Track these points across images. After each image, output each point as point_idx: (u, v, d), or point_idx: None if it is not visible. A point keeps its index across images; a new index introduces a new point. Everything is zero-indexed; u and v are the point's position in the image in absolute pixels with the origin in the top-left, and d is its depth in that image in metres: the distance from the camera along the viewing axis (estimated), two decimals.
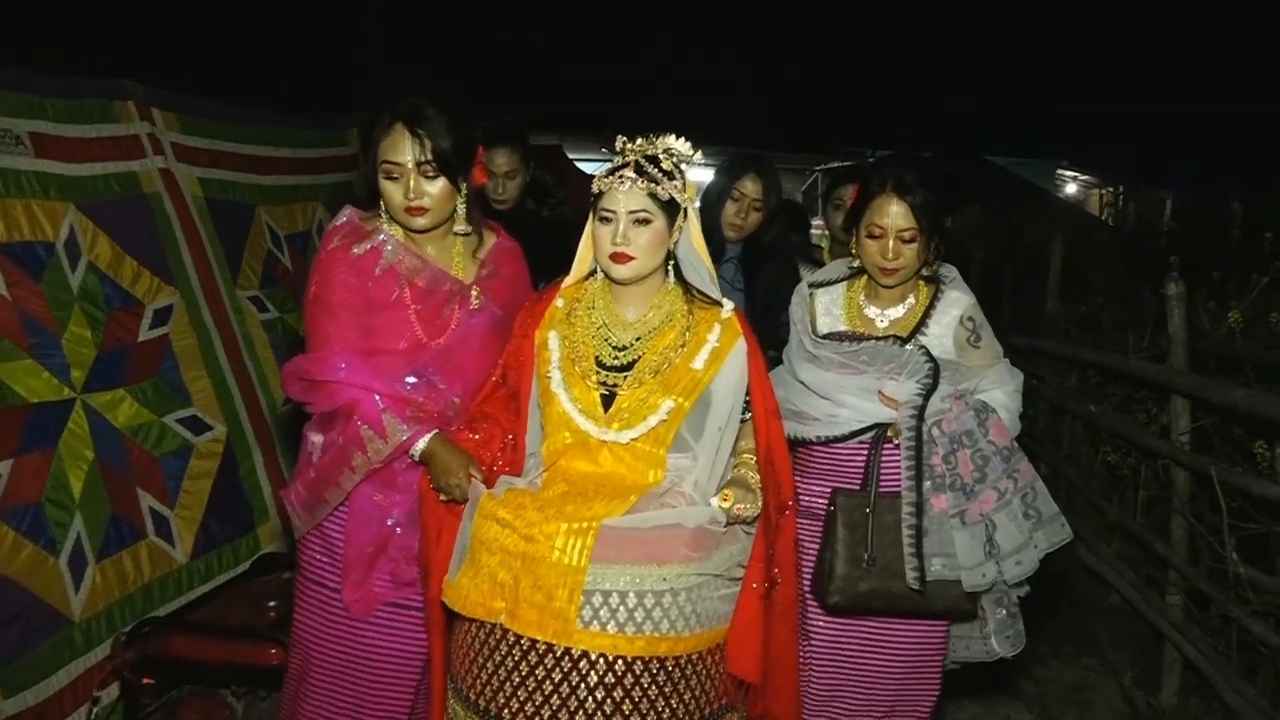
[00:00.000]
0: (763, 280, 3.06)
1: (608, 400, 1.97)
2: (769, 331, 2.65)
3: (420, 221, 2.12)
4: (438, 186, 2.09)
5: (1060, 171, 17.28)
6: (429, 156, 2.06)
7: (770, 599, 2.01)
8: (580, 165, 7.91)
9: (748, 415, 2.06)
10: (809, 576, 2.33)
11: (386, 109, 2.10)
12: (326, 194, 4.59)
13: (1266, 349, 3.20)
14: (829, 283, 2.48)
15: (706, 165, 2.62)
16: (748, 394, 2.04)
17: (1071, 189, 17.79)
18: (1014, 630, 2.40)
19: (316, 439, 2.18)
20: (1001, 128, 16.46)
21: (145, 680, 2.73)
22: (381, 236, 2.15)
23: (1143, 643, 3.64)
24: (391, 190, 2.10)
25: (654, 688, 1.81)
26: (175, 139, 3.73)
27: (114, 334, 3.16)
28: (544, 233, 3.20)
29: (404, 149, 2.06)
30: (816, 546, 2.36)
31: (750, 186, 3.05)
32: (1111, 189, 15.86)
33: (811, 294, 2.48)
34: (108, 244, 3.23)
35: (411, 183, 2.07)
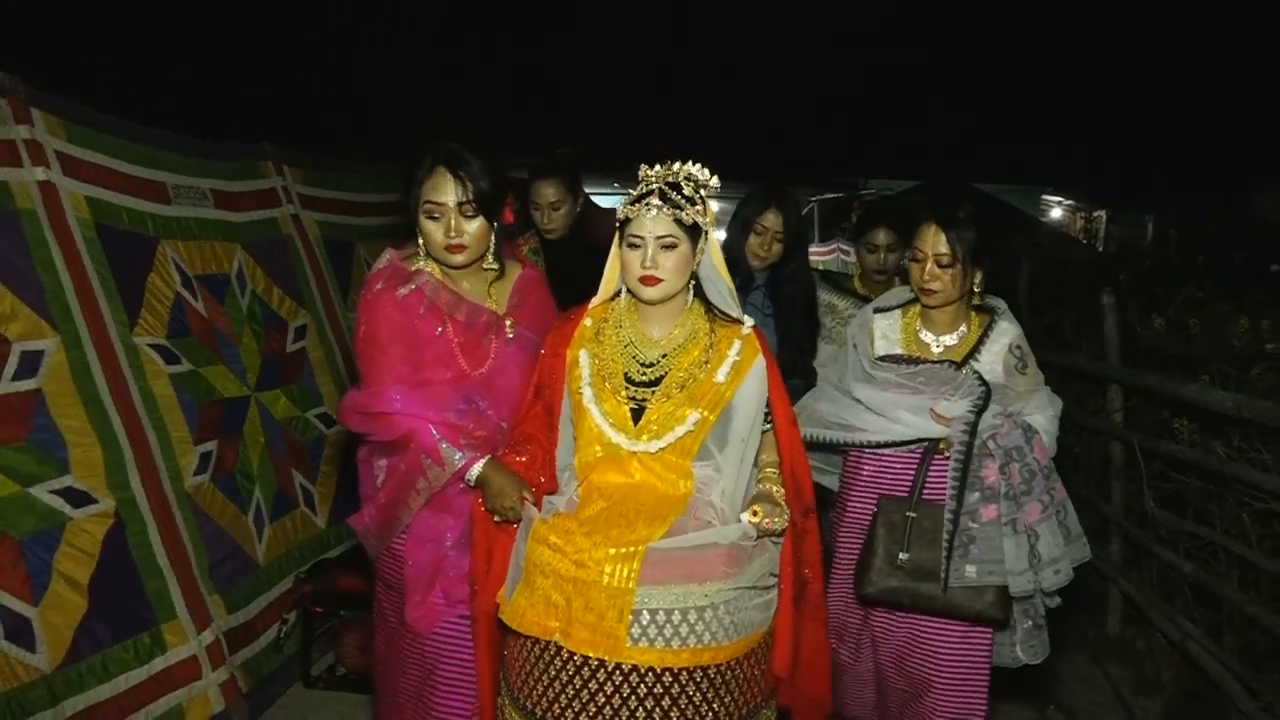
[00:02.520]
0: (791, 328, 3.22)
1: (637, 414, 2.06)
2: (795, 361, 3.07)
3: (459, 259, 2.24)
4: (475, 225, 2.21)
5: (1045, 197, 18.15)
6: (469, 197, 2.18)
7: (801, 599, 2.15)
8: (596, 199, 8.76)
9: (769, 426, 2.17)
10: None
11: (427, 152, 2.21)
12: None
13: (1189, 347, 4.03)
14: (889, 308, 2.67)
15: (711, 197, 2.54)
16: (768, 406, 2.15)
17: (1057, 214, 18.65)
18: (1039, 640, 2.54)
19: (381, 463, 2.31)
20: (988, 156, 17.31)
21: (317, 609, 3.57)
22: (424, 277, 2.26)
23: (1090, 586, 4.44)
24: (432, 229, 2.21)
25: (698, 694, 1.92)
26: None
27: (269, 345, 3.99)
28: (592, 260, 3.62)
29: (446, 190, 2.18)
30: None
31: (772, 219, 3.15)
32: (1086, 213, 16.70)
33: (872, 319, 2.66)
34: (264, 276, 4.07)
35: (452, 222, 2.19)
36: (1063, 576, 2.36)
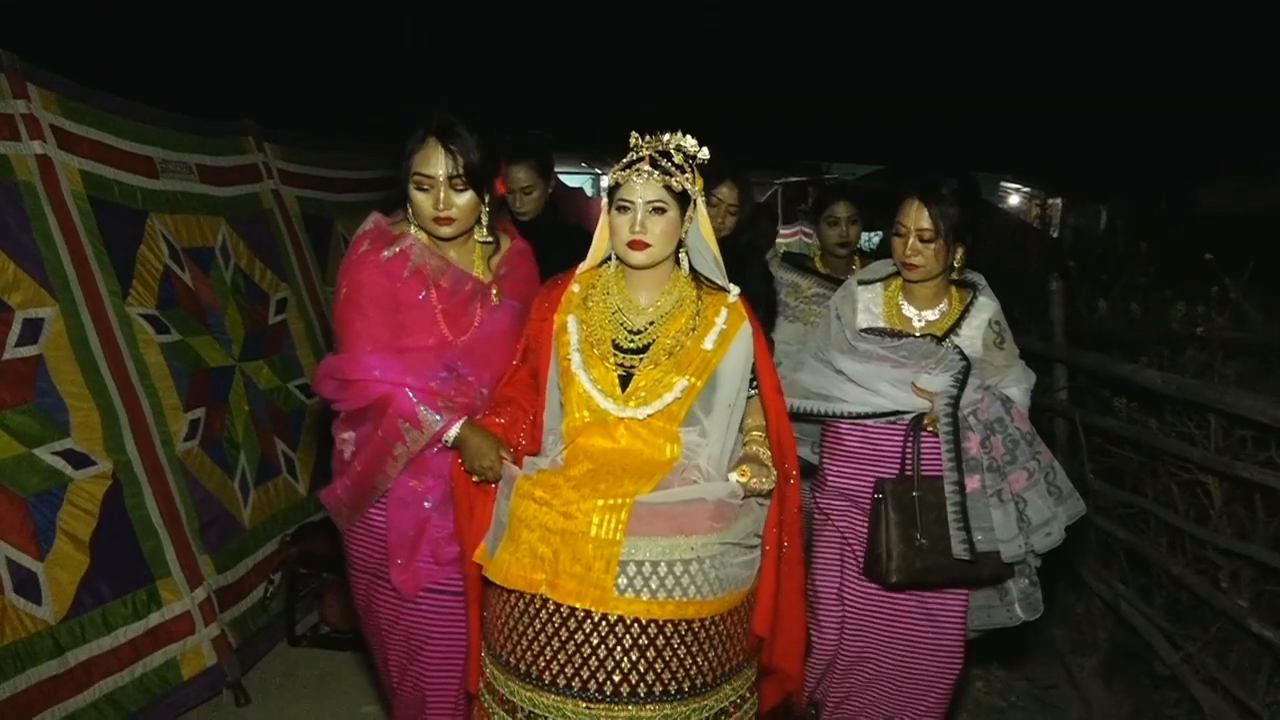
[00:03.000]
0: (749, 283, 3.26)
1: (625, 380, 2.08)
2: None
3: (447, 231, 2.23)
4: (465, 198, 2.21)
5: (1004, 184, 18.54)
6: (459, 170, 2.17)
7: (781, 560, 2.16)
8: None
9: (754, 391, 2.19)
10: (849, 552, 2.63)
11: (420, 123, 2.20)
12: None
13: (1129, 330, 4.28)
14: (871, 281, 2.70)
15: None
16: (753, 372, 2.17)
17: (1014, 200, 19.05)
18: (1035, 598, 2.60)
19: (348, 435, 2.30)
20: (949, 142, 17.59)
21: (301, 570, 3.71)
22: (409, 240, 2.25)
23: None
24: (422, 200, 2.20)
25: (682, 648, 1.93)
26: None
27: (253, 317, 4.10)
28: (566, 241, 3.29)
29: (436, 162, 2.17)
30: (847, 523, 2.63)
31: (726, 193, 3.19)
32: (1042, 201, 17.09)
33: (855, 290, 2.69)
34: (246, 249, 4.18)
35: (442, 194, 2.18)
36: (1054, 538, 2.42)
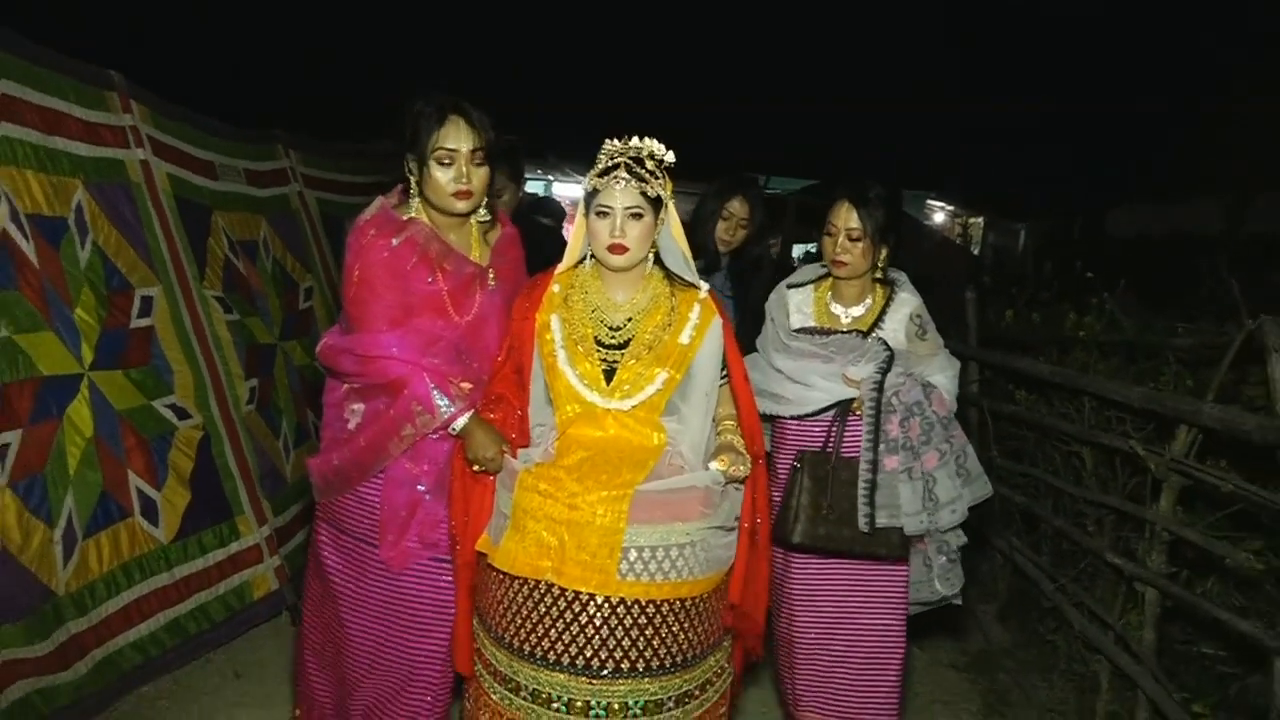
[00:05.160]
0: (754, 291, 3.34)
1: (608, 375, 2.20)
2: (758, 333, 2.96)
3: (464, 205, 2.31)
4: (483, 173, 2.31)
5: (930, 201, 19.65)
6: (481, 144, 2.27)
7: (755, 535, 2.33)
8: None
9: (724, 381, 2.32)
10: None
11: (435, 103, 2.27)
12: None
13: (1029, 335, 5.12)
14: (802, 284, 2.86)
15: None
16: (724, 363, 2.30)
17: (939, 218, 20.17)
18: (954, 574, 2.75)
19: (356, 407, 2.37)
20: (879, 160, 18.56)
21: None
22: (415, 227, 2.31)
23: None
24: (442, 175, 2.26)
25: (675, 624, 2.09)
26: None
27: (287, 303, 4.68)
28: (536, 244, 3.10)
29: (460, 137, 2.25)
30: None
31: (738, 206, 3.35)
32: (964, 220, 18.20)
33: (787, 294, 2.84)
34: (280, 243, 4.77)
35: (463, 168, 2.26)
36: (958, 515, 2.58)
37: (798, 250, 10.48)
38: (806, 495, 2.60)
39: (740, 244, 3.48)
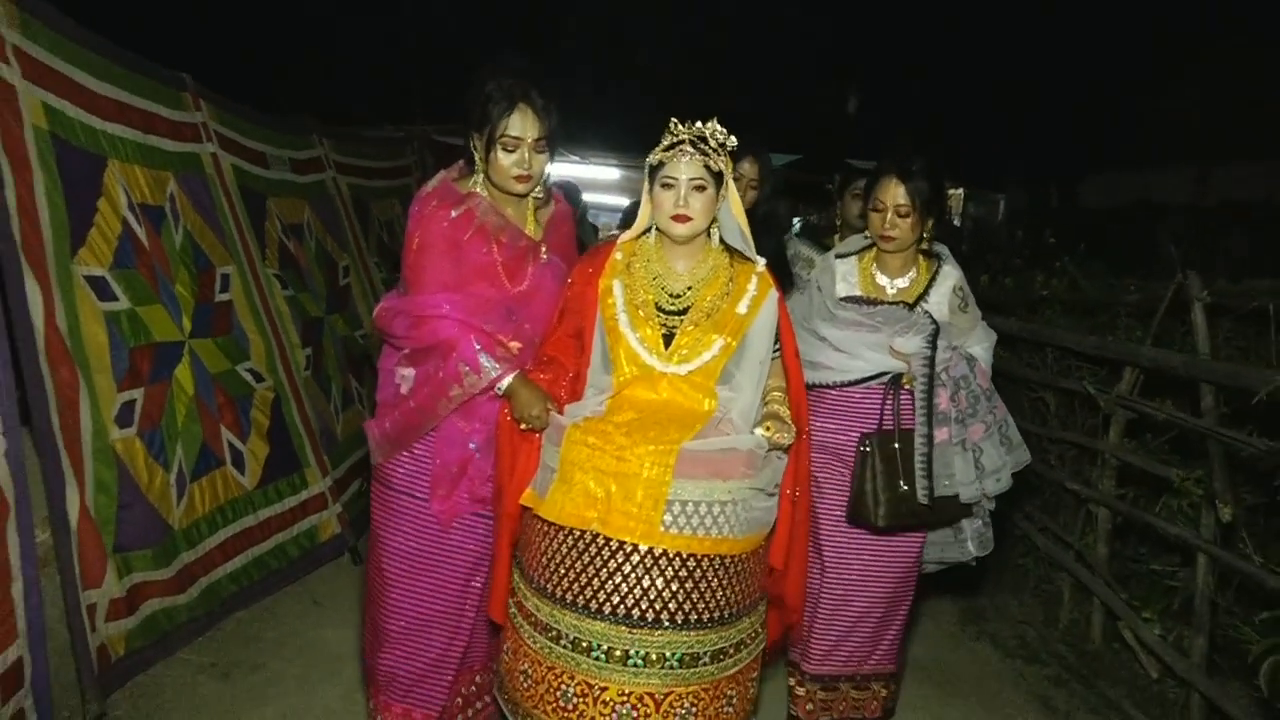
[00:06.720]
0: (764, 252, 3.12)
1: (667, 339, 2.26)
2: None
3: (522, 188, 2.40)
4: (542, 159, 2.40)
5: None
6: (544, 133, 2.36)
7: (795, 505, 2.38)
8: None
9: (776, 353, 2.35)
10: (824, 502, 2.78)
11: (505, 89, 2.33)
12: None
13: (1002, 296, 5.63)
14: (848, 254, 2.89)
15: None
16: (776, 336, 2.33)
17: None
18: (987, 536, 2.85)
19: (408, 372, 2.44)
20: (861, 133, 18.89)
21: None
22: (475, 200, 2.40)
23: None
24: (506, 160, 2.35)
25: (715, 580, 2.12)
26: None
27: (327, 279, 5.14)
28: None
29: (527, 126, 2.34)
30: (826, 475, 2.79)
31: (748, 168, 3.33)
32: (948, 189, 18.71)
33: (834, 263, 2.87)
34: (320, 226, 5.21)
35: (526, 155, 2.35)
36: (1004, 483, 2.66)
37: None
38: (882, 478, 2.65)
39: (751, 205, 3.43)
